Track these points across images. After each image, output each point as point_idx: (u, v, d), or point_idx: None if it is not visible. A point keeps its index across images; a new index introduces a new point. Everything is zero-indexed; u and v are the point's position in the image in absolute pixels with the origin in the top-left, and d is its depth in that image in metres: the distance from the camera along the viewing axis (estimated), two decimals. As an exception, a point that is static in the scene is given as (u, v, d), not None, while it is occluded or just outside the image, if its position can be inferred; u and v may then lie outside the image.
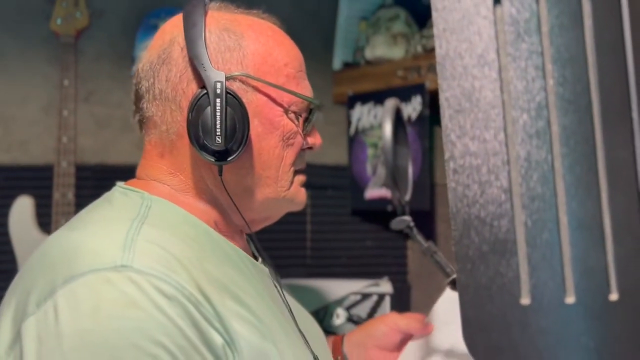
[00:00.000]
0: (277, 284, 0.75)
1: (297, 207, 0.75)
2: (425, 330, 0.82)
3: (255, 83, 0.67)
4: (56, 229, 1.54)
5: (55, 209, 1.55)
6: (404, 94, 1.65)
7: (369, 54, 1.73)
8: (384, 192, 1.76)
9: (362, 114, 1.80)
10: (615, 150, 0.38)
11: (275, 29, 0.72)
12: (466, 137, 0.41)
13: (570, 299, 0.38)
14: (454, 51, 0.41)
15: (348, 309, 1.57)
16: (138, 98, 0.71)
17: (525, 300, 0.39)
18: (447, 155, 0.41)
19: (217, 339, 0.57)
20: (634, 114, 0.38)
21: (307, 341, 0.70)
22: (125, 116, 1.65)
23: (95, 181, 1.59)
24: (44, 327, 0.53)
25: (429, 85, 1.62)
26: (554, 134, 0.39)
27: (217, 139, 0.61)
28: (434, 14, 0.41)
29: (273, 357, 0.60)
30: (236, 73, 0.66)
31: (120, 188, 0.71)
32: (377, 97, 1.75)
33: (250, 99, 0.67)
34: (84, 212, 0.68)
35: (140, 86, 0.70)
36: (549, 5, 0.39)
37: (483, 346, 0.41)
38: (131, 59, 1.64)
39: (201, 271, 0.60)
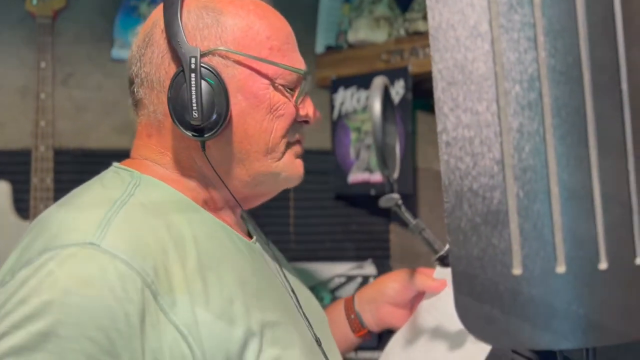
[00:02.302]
0: (274, 262, 0.76)
1: (293, 181, 0.75)
2: (437, 287, 0.82)
3: (236, 57, 0.67)
4: (35, 214, 1.52)
5: (33, 194, 1.52)
6: (387, 77, 1.65)
7: (352, 37, 1.73)
8: (368, 176, 1.77)
9: (345, 98, 1.79)
10: (605, 121, 0.39)
11: (259, 2, 0.72)
12: (459, 110, 0.41)
13: (561, 269, 0.39)
14: (447, 23, 0.40)
15: (333, 291, 1.58)
16: (130, 82, 0.73)
17: (517, 271, 0.39)
18: (439, 127, 0.41)
19: (170, 332, 0.57)
20: (624, 85, 0.38)
21: (308, 320, 0.71)
22: (104, 99, 1.62)
23: (74, 166, 1.57)
24: (10, 292, 0.55)
25: (412, 69, 1.62)
26: (546, 106, 0.39)
27: (194, 113, 0.62)
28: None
29: (239, 340, 0.60)
30: (214, 48, 0.66)
31: (114, 167, 0.72)
32: (361, 81, 1.75)
33: (232, 74, 0.67)
34: (76, 190, 0.69)
35: (131, 71, 0.72)
36: None
37: (475, 317, 0.41)
38: (110, 41, 1.60)
39: (175, 256, 0.61)
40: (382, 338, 1.39)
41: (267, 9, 0.72)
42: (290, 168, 0.72)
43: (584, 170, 0.39)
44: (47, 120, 1.52)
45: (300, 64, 0.72)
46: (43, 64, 1.52)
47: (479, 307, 0.41)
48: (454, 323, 0.69)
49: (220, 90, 0.64)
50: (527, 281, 0.39)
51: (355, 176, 1.77)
